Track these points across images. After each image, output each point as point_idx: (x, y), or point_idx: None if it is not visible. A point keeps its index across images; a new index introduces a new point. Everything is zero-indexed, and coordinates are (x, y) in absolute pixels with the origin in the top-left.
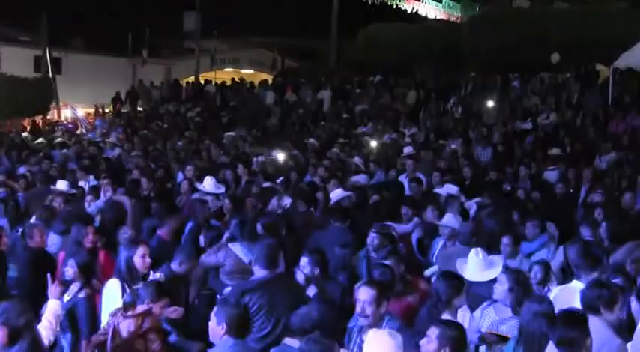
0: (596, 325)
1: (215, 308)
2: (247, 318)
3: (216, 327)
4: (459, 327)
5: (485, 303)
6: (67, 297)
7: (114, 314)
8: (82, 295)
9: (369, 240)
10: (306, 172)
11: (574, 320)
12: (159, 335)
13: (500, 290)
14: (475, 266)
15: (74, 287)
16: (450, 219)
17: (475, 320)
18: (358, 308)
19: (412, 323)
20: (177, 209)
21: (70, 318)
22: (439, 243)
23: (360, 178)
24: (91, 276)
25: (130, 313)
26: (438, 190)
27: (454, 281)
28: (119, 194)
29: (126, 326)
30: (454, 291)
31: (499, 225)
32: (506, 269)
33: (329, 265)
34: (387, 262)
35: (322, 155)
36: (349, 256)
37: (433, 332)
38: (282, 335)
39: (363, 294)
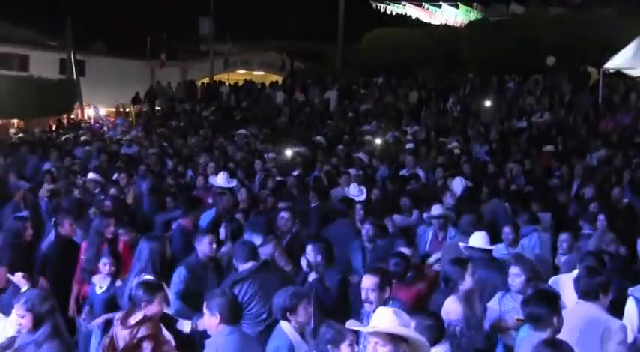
0: (596, 310)
1: (205, 302)
2: (238, 304)
3: (210, 318)
4: (436, 317)
5: (499, 294)
6: (100, 290)
7: (115, 322)
8: (119, 284)
9: (364, 231)
10: (314, 168)
11: (544, 299)
12: (154, 340)
13: (518, 281)
14: (479, 238)
15: (107, 280)
16: (439, 210)
17: (491, 311)
18: (363, 295)
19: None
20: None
21: (108, 307)
22: (429, 233)
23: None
24: (121, 269)
25: (127, 323)
26: (453, 184)
27: (461, 265)
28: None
29: (122, 337)
30: (460, 275)
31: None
32: (520, 261)
33: (333, 254)
34: (404, 250)
35: (329, 152)
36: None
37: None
38: (275, 320)
39: (366, 282)
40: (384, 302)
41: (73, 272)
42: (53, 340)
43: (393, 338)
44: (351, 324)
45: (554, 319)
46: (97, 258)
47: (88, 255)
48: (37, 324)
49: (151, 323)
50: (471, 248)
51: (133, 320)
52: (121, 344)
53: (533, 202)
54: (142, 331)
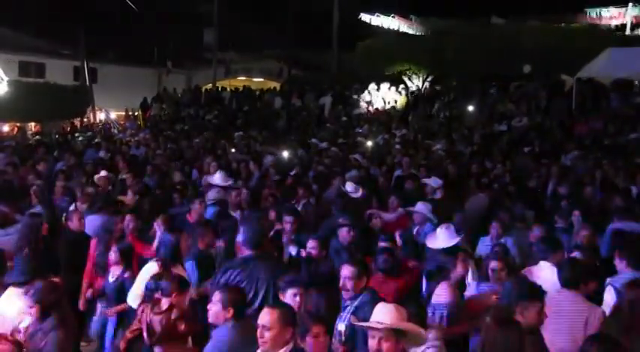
0: (575, 298)
1: (218, 293)
2: (246, 301)
3: (222, 311)
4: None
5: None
6: (111, 278)
7: (142, 311)
8: (127, 275)
9: (341, 232)
10: (310, 168)
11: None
12: (184, 319)
13: (502, 274)
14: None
15: (116, 270)
16: (420, 207)
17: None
18: (341, 283)
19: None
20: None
21: (117, 295)
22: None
23: None
24: (132, 260)
25: (158, 310)
26: (426, 181)
27: (453, 255)
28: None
29: (158, 322)
30: (452, 264)
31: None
32: (500, 256)
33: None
34: (384, 244)
35: (324, 153)
36: None
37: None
38: (261, 305)
39: (345, 271)
40: (359, 291)
41: (84, 265)
42: (59, 330)
43: (396, 333)
44: (356, 321)
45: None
46: (107, 253)
47: (99, 251)
48: (44, 315)
49: (179, 308)
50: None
51: (164, 307)
52: (158, 328)
53: (517, 200)
54: (175, 313)
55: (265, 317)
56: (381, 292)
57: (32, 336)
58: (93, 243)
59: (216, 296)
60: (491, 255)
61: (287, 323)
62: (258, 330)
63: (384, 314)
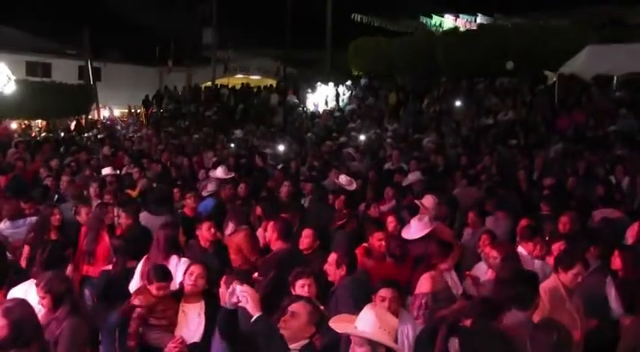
0: (551, 282)
1: (225, 277)
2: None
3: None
4: None
5: None
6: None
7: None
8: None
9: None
10: (305, 161)
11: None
12: (145, 309)
13: (496, 262)
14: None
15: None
16: (428, 200)
17: None
18: (326, 267)
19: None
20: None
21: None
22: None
23: None
24: (124, 253)
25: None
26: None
27: (444, 248)
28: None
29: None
30: (442, 256)
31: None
32: (497, 244)
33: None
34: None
35: (319, 147)
36: None
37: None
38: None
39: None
40: (342, 278)
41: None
42: (74, 317)
43: (371, 341)
44: (332, 322)
45: (537, 298)
46: (96, 241)
47: (88, 239)
48: (56, 305)
49: (147, 295)
50: None
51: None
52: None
53: (503, 189)
54: (137, 300)
55: (297, 305)
56: (395, 278)
57: (47, 326)
58: (83, 230)
59: (223, 279)
60: (490, 244)
61: (313, 321)
62: (285, 315)
63: (360, 320)
